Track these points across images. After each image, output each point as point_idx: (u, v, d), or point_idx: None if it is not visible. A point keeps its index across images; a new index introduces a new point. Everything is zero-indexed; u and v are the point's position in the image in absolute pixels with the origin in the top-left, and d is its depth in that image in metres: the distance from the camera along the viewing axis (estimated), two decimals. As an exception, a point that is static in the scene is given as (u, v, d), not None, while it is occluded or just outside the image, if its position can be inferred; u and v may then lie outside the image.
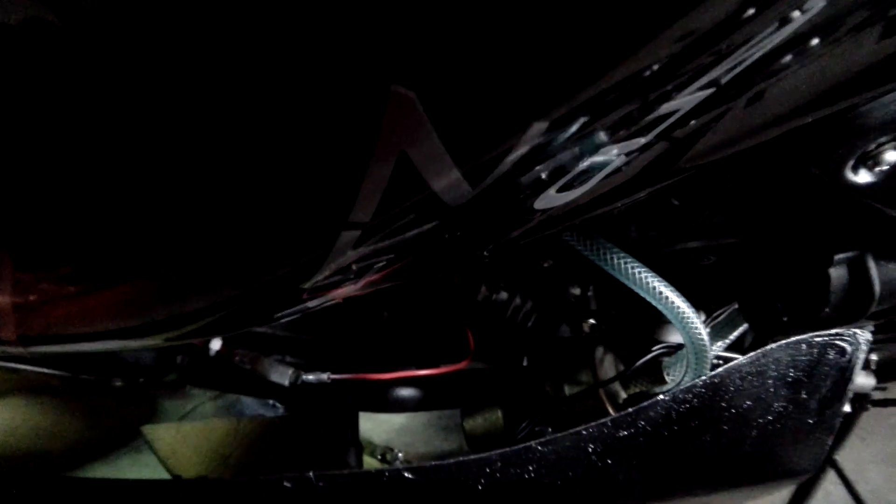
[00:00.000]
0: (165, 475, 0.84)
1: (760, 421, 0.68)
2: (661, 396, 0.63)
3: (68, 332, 0.35)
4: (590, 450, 0.60)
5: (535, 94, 0.26)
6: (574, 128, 0.29)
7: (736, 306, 0.91)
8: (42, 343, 0.39)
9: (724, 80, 0.37)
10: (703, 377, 0.64)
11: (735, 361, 0.66)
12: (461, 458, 0.55)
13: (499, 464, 0.57)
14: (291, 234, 0.31)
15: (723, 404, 0.65)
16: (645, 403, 0.62)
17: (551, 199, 0.39)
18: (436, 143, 0.26)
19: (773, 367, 0.67)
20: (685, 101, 0.36)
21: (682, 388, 0.63)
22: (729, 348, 0.91)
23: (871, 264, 0.70)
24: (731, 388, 0.65)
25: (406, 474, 0.53)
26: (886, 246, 0.69)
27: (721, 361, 0.92)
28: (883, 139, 0.48)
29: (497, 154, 0.28)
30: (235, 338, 0.89)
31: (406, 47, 0.24)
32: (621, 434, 0.61)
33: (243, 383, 1.04)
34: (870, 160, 0.49)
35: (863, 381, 1.04)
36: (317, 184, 0.29)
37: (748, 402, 0.66)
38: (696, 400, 0.63)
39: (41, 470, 1.13)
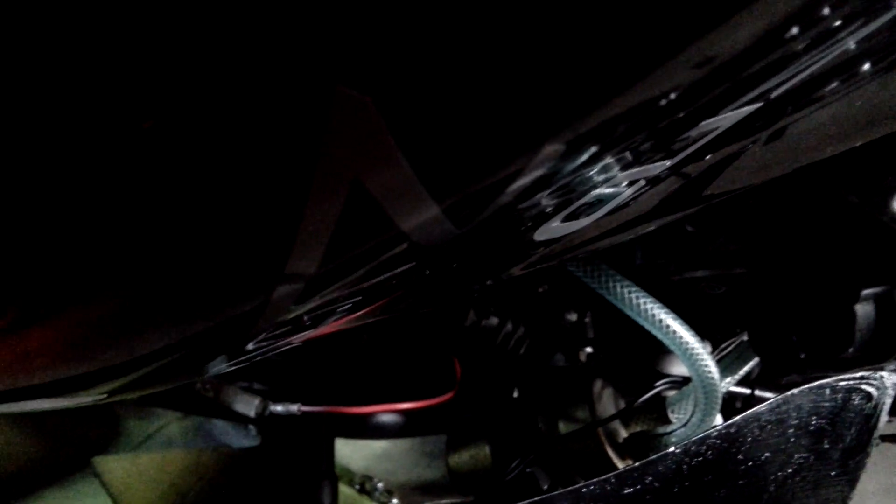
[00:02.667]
0: (117, 512, 0.76)
1: (780, 474, 0.61)
2: (672, 449, 0.56)
3: None
4: (590, 510, 0.53)
5: (554, 101, 0.19)
6: (595, 150, 0.22)
7: (745, 338, 0.85)
8: None
9: (772, 96, 0.30)
10: (718, 426, 0.57)
11: (753, 409, 0.59)
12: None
13: (486, 527, 0.50)
14: (212, 289, 0.23)
15: (739, 456, 0.58)
16: (653, 457, 0.55)
17: (555, 230, 0.32)
18: (403, 169, 0.18)
19: (795, 414, 0.60)
20: (724, 118, 0.29)
21: (694, 439, 0.56)
22: (738, 383, 0.85)
23: (902, 300, 0.64)
24: (749, 438, 0.58)
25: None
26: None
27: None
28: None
29: (492, 185, 0.21)
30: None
31: (358, 32, 0.16)
32: (626, 491, 0.54)
33: (210, 407, 0.96)
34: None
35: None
36: (236, 227, 0.21)
37: (767, 454, 0.59)
38: (710, 452, 0.56)
39: (-11, 496, 1.05)
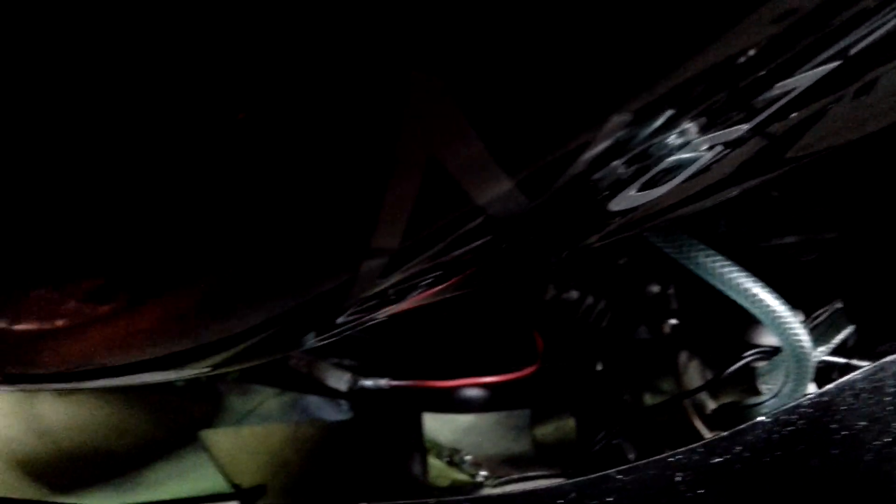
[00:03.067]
0: (223, 481, 0.82)
1: (876, 443, 0.59)
2: (762, 418, 0.55)
3: (103, 364, 0.31)
4: (678, 479, 0.53)
5: (620, 73, 0.19)
6: (670, 114, 0.22)
7: (839, 306, 0.82)
8: (69, 379, 0.35)
9: (852, 52, 0.29)
10: (810, 395, 0.56)
11: (847, 377, 0.57)
12: (530, 489, 0.49)
13: (573, 494, 0.51)
14: (306, 267, 0.25)
15: (833, 425, 0.56)
16: (742, 426, 0.54)
17: (632, 199, 0.32)
18: (475, 145, 0.19)
19: (892, 381, 0.58)
20: (804, 77, 0.28)
21: (784, 407, 0.55)
22: (833, 353, 0.82)
23: None
24: (843, 407, 0.56)
25: (467, 507, 0.48)
26: None
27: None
28: None
29: (559, 157, 0.21)
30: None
31: (428, 19, 0.17)
32: (714, 461, 0.53)
33: (304, 383, 1.01)
34: None
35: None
36: (328, 207, 0.23)
37: (862, 423, 0.57)
38: (801, 421, 0.55)
39: (108, 468, 1.14)
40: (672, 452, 0.53)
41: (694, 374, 0.81)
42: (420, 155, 0.20)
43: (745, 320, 0.85)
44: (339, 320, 0.31)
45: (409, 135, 0.20)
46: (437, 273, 0.30)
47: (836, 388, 0.56)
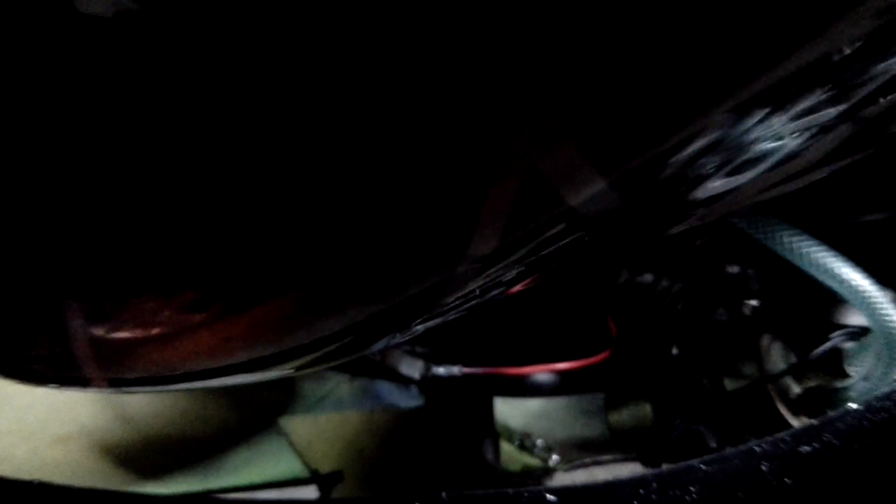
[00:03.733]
0: (302, 466, 0.84)
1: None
2: (852, 405, 0.52)
3: (196, 369, 0.32)
4: (764, 468, 0.51)
5: (718, 72, 0.19)
6: (765, 112, 0.21)
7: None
8: (158, 383, 0.36)
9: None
10: (906, 381, 0.53)
11: (948, 361, 0.54)
12: (612, 480, 0.48)
13: (654, 485, 0.50)
14: (399, 274, 0.25)
15: (932, 413, 0.53)
16: (831, 414, 0.52)
17: (717, 188, 0.31)
18: (571, 150, 0.19)
19: None
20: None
21: (876, 394, 0.53)
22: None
23: None
24: (943, 394, 0.53)
25: (549, 497, 0.47)
26: None
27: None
28: None
29: (654, 157, 0.21)
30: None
31: (526, 45, 0.17)
32: (803, 450, 0.51)
33: (377, 370, 1.02)
34: None
35: None
36: (424, 214, 0.22)
37: (965, 409, 0.54)
38: (895, 408, 0.52)
39: (190, 456, 1.18)
40: (758, 441, 0.51)
41: (777, 357, 0.78)
42: (518, 162, 0.20)
43: (831, 300, 0.81)
44: (421, 320, 0.32)
45: (510, 143, 0.19)
46: (522, 270, 0.29)
47: (937, 372, 0.53)
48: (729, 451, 0.52)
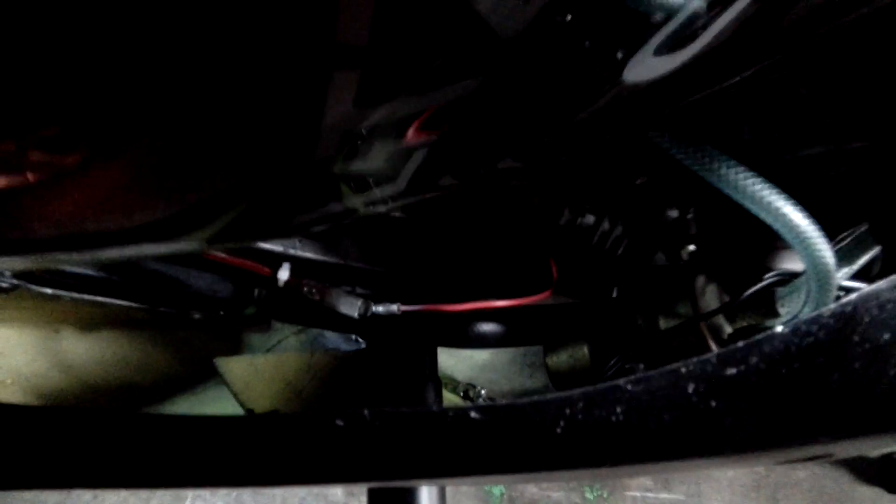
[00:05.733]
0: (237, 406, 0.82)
1: (901, 358, 0.56)
2: (779, 328, 0.53)
3: (97, 230, 0.30)
4: (690, 390, 0.52)
5: None
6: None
7: (865, 228, 0.79)
8: (69, 247, 0.33)
9: None
10: (831, 306, 0.54)
11: (871, 286, 0.55)
12: (537, 398, 0.48)
13: (581, 404, 0.50)
14: (266, 75, 0.23)
15: (855, 338, 0.54)
16: (759, 336, 0.52)
17: (647, 67, 0.30)
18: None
19: (921, 293, 0.55)
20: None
21: (804, 318, 0.53)
22: (855, 277, 0.79)
23: None
24: (866, 319, 0.54)
25: (473, 414, 0.47)
26: None
27: (843, 293, 0.80)
28: None
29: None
30: (304, 269, 0.84)
31: None
32: (729, 372, 0.52)
33: (321, 317, 1.00)
34: None
35: None
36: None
37: (887, 335, 0.55)
38: (821, 332, 0.53)
39: (130, 401, 1.15)
40: (684, 362, 0.52)
41: (711, 298, 0.79)
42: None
43: (767, 246, 0.83)
44: (326, 188, 0.30)
45: None
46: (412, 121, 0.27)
47: (860, 297, 0.54)
48: (655, 371, 0.53)
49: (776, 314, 0.76)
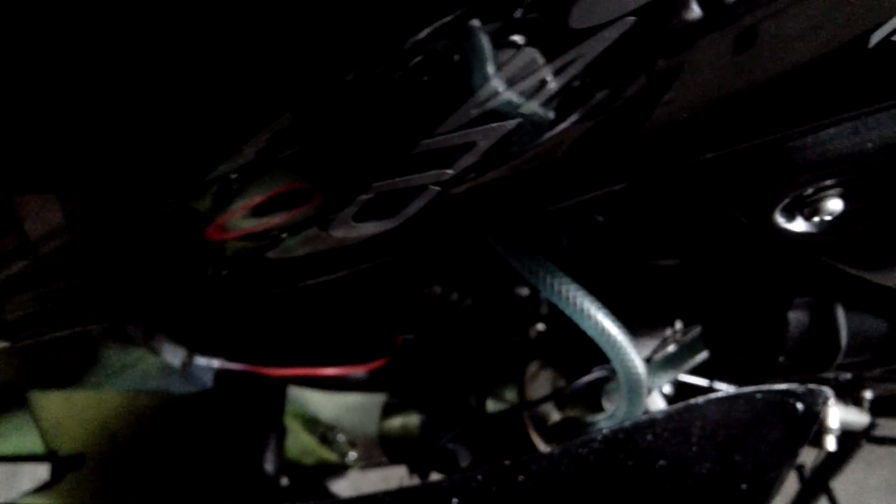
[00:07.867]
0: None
1: (678, 483, 0.58)
2: (550, 449, 0.53)
3: None
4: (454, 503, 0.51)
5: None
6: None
7: (698, 330, 0.80)
8: None
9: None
10: (605, 431, 0.54)
11: (649, 416, 0.55)
12: None
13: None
14: None
15: (629, 462, 0.55)
16: (527, 457, 0.52)
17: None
18: None
19: (699, 423, 0.57)
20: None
21: (577, 441, 0.53)
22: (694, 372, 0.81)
23: (840, 312, 0.59)
24: (642, 445, 0.55)
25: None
26: (856, 296, 0.57)
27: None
28: (825, 183, 0.36)
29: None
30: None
31: None
32: (493, 489, 0.52)
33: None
34: (806, 207, 0.37)
35: (854, 418, 0.94)
36: None
37: (662, 462, 0.56)
38: (591, 456, 0.54)
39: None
40: (449, 478, 0.51)
41: (543, 385, 0.79)
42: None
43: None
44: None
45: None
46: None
47: (634, 426, 0.55)
48: (420, 483, 0.52)
49: (601, 409, 0.77)
